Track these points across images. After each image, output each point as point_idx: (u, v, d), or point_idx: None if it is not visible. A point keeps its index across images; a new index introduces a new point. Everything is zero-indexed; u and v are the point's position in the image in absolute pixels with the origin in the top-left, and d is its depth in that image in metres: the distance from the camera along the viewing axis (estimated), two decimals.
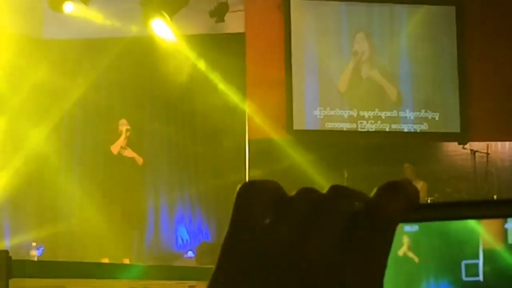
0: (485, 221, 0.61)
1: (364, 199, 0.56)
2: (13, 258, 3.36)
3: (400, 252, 0.62)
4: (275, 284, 0.53)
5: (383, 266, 0.54)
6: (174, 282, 7.67)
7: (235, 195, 0.57)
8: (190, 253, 11.64)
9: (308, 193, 0.57)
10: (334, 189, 0.56)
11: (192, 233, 12.09)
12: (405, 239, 0.62)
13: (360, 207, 0.55)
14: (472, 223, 0.60)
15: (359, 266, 0.53)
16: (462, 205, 0.60)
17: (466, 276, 0.60)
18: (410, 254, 0.62)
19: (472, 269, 0.60)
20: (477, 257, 0.60)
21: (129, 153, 10.04)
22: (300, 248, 0.53)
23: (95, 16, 11.72)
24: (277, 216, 0.56)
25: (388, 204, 0.55)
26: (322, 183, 10.20)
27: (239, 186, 0.58)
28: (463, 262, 0.60)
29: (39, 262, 8.01)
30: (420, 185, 10.85)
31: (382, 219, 0.54)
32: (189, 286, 7.96)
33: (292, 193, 0.58)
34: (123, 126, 9.84)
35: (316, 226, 0.54)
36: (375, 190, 0.56)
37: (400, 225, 0.55)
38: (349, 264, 0.53)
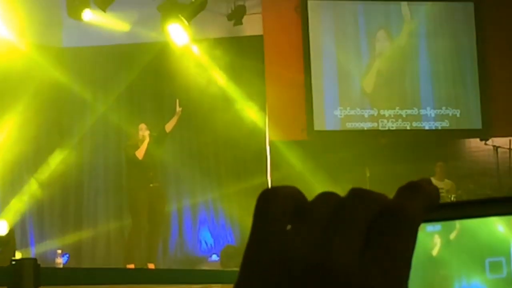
0: (507, 218, 0.62)
1: (384, 201, 0.56)
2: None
3: (434, 252, 0.63)
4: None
5: (408, 267, 0.54)
6: (199, 286, 7.66)
7: (255, 203, 0.57)
8: (214, 257, 11.65)
9: (328, 198, 0.57)
10: (354, 192, 0.56)
11: (216, 237, 12.10)
12: (437, 239, 0.62)
13: (381, 209, 0.55)
14: (494, 220, 0.61)
15: (384, 268, 0.53)
16: (482, 203, 0.61)
17: (490, 273, 0.60)
18: (444, 254, 0.62)
19: (496, 267, 0.60)
20: (501, 255, 0.61)
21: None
22: (323, 252, 0.53)
23: (113, 23, 11.77)
24: (298, 222, 0.56)
25: (409, 204, 0.55)
26: (344, 183, 10.19)
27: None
28: (487, 260, 0.61)
29: (66, 269, 8.04)
30: (449, 185, 10.79)
31: (403, 220, 0.54)
32: None
33: (312, 198, 0.58)
34: (143, 130, 9.83)
35: (338, 231, 0.54)
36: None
37: (422, 226, 0.56)
38: (373, 266, 0.53)
